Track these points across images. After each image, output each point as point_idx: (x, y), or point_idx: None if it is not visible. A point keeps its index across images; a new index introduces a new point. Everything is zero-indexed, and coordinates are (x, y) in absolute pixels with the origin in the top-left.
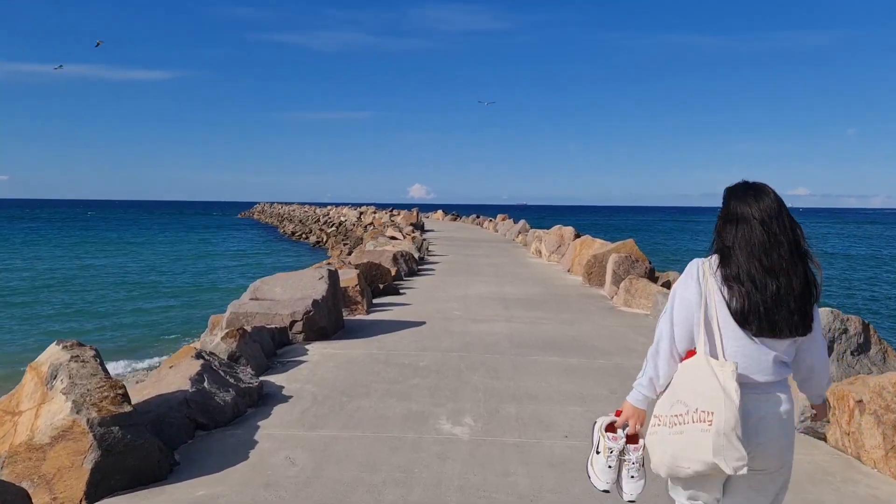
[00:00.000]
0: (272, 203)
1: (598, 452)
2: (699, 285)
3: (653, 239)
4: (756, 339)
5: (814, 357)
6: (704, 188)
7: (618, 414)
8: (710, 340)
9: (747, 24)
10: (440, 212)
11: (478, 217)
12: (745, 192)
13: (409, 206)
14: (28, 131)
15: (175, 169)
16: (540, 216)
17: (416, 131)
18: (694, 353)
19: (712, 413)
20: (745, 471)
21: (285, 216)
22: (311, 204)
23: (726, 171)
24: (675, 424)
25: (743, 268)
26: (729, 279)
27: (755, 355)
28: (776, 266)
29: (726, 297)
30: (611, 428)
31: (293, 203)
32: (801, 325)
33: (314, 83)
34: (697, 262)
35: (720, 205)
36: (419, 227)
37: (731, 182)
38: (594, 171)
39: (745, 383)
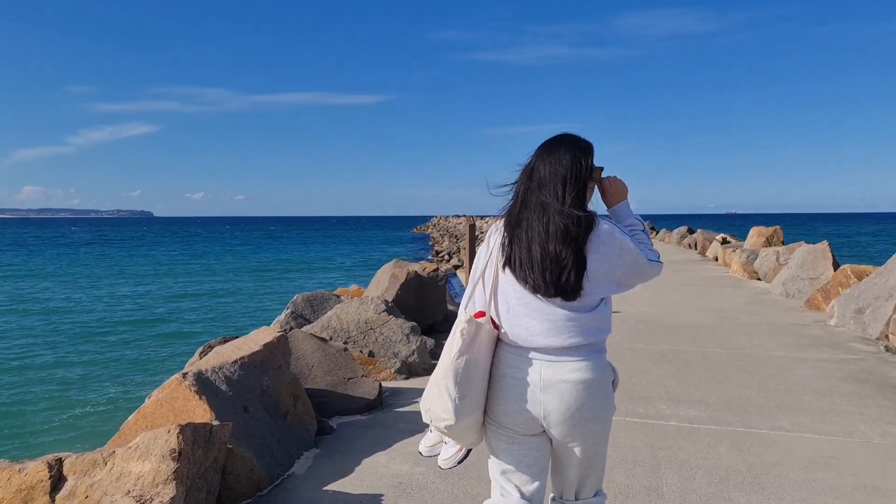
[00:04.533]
0: (447, 216)
1: None
2: (489, 243)
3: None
4: (541, 299)
5: None
6: None
7: None
8: (486, 297)
9: None
10: None
11: (690, 232)
12: (543, 146)
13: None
14: (261, 154)
15: (387, 186)
16: (761, 225)
17: (618, 141)
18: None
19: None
20: (442, 426)
21: (451, 229)
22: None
23: None
24: None
25: (522, 224)
26: (509, 234)
27: (539, 316)
28: (543, 221)
29: (505, 252)
30: None
31: (485, 215)
32: (566, 286)
33: (516, 98)
34: (497, 221)
35: None
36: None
37: None
38: (817, 174)
39: (529, 347)
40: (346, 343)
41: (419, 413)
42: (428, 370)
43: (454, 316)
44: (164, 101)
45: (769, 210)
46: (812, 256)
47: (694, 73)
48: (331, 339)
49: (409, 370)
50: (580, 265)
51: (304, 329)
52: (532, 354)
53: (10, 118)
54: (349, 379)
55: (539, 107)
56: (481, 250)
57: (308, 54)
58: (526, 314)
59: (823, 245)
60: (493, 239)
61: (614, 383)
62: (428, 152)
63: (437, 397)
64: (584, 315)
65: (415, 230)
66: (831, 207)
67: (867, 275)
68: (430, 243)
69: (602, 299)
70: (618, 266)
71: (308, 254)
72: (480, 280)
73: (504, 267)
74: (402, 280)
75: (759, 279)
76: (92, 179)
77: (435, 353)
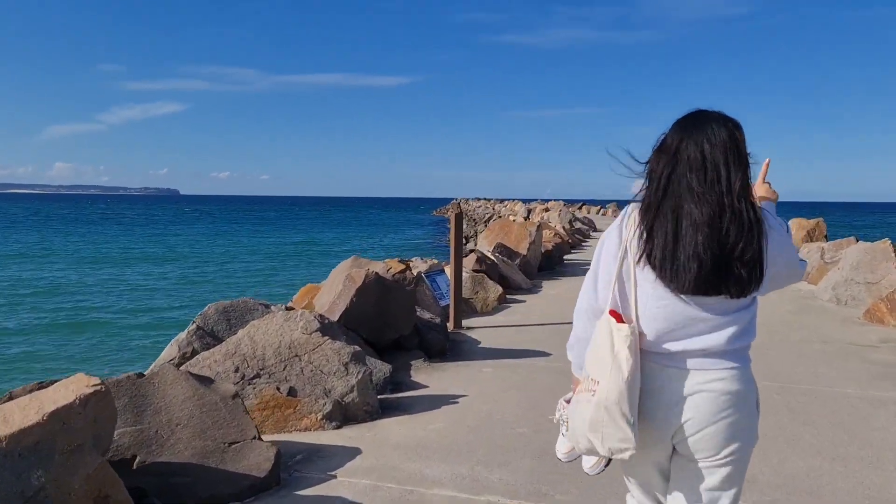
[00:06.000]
0: (468, 199)
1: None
2: (620, 232)
3: None
4: (684, 298)
5: None
6: None
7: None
8: (622, 297)
9: None
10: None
11: None
12: (687, 122)
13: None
14: (286, 135)
15: (411, 167)
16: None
17: (642, 125)
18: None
19: (598, 382)
20: (625, 455)
21: (470, 213)
22: (523, 200)
23: None
24: (579, 393)
25: (657, 210)
26: (649, 224)
27: (680, 318)
28: (704, 210)
29: (644, 244)
30: None
31: (504, 199)
32: (740, 281)
33: (540, 81)
34: (628, 207)
35: None
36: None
37: None
38: (852, 163)
39: (666, 353)
40: (258, 376)
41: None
42: (372, 413)
43: (428, 328)
44: (193, 79)
45: (793, 199)
46: (870, 256)
47: (722, 57)
48: (237, 369)
49: (343, 414)
50: (762, 258)
51: (199, 357)
52: (666, 361)
53: (43, 95)
54: (231, 444)
55: (564, 90)
56: (611, 242)
57: (334, 35)
58: (664, 316)
59: (885, 243)
60: (627, 229)
61: (757, 404)
62: (452, 134)
63: (611, 424)
64: (730, 316)
65: (434, 213)
66: (860, 197)
67: None
68: (450, 226)
69: (753, 298)
70: (776, 262)
71: (323, 236)
72: (618, 275)
73: (641, 263)
74: (359, 284)
75: None
76: (121, 157)
77: (399, 383)
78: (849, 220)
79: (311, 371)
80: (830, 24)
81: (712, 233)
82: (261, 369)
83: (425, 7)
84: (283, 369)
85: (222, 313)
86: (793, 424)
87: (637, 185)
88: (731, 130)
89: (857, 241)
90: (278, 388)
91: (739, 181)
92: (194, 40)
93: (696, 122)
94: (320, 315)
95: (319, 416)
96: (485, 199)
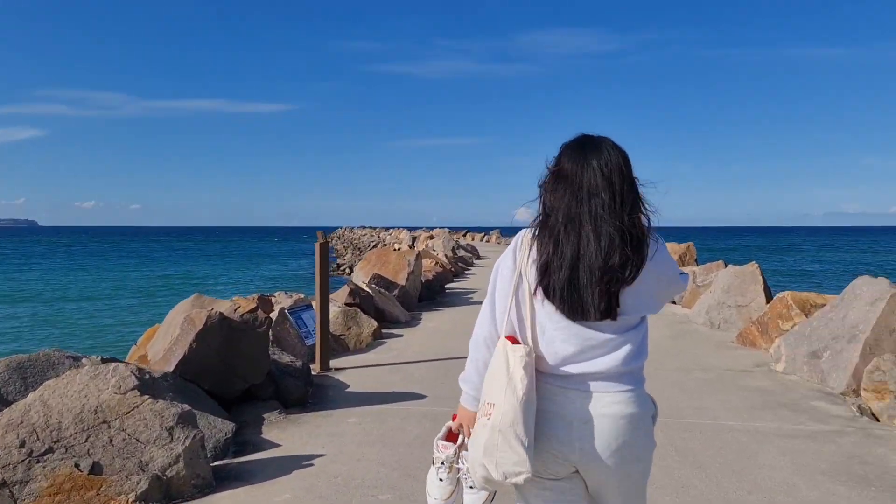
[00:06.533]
0: (352, 228)
1: (432, 465)
2: (515, 258)
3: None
4: (578, 322)
5: None
6: (828, 207)
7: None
8: (519, 321)
9: (875, 34)
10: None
11: None
12: (578, 146)
13: (517, 230)
14: (159, 162)
15: (293, 196)
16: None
17: (521, 155)
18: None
19: (493, 405)
20: (519, 479)
21: (355, 241)
22: (409, 228)
23: (851, 188)
24: (475, 420)
25: (558, 237)
26: (541, 249)
27: (578, 340)
28: (602, 234)
29: (541, 275)
30: (453, 437)
31: (390, 227)
32: (608, 307)
33: (423, 111)
34: (521, 232)
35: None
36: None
37: (857, 199)
38: (709, 191)
39: (566, 375)
40: (50, 451)
41: None
42: (203, 487)
43: (285, 373)
44: (52, 104)
45: (661, 224)
46: (739, 280)
47: (594, 89)
48: (22, 444)
49: (165, 492)
50: (634, 279)
51: None
52: (566, 383)
53: None
54: None
55: (447, 120)
56: (506, 268)
57: (209, 61)
58: (562, 339)
59: (752, 267)
60: (521, 254)
61: (654, 417)
62: (337, 163)
63: (505, 447)
64: (623, 335)
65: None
66: (717, 221)
67: (812, 305)
68: (335, 255)
69: (641, 318)
70: (661, 281)
71: (200, 268)
72: (514, 300)
73: (538, 289)
74: (200, 327)
75: (673, 302)
76: None
77: (246, 443)
78: (710, 243)
79: (124, 440)
80: (690, 62)
81: (609, 256)
82: (55, 442)
83: (306, 34)
84: (86, 440)
85: (15, 370)
86: (681, 468)
87: (521, 213)
88: (623, 154)
89: (726, 265)
90: (77, 466)
91: (631, 203)
92: (53, 63)
93: (591, 148)
94: (139, 368)
95: (132, 497)
96: (370, 227)
